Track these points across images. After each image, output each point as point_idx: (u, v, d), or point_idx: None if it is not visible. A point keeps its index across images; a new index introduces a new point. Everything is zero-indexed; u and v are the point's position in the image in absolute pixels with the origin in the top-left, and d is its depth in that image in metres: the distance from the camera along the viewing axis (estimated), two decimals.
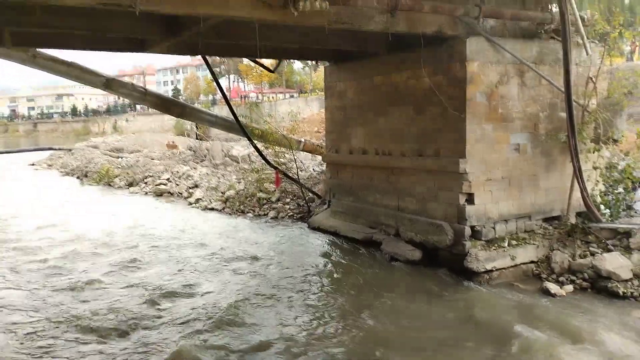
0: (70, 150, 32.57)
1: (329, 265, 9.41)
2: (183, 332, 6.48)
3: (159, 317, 7.03)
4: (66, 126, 64.00)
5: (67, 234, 12.08)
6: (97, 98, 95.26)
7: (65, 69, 11.68)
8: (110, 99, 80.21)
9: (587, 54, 8.65)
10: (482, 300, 7.35)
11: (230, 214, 14.42)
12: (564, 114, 8.64)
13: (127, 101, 59.30)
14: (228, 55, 20.57)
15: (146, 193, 18.67)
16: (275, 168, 14.22)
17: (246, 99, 57.00)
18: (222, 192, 16.08)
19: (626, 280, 7.27)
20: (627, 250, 7.79)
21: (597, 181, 9.14)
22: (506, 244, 8.45)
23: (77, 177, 24.17)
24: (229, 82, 67.66)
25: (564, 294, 7.40)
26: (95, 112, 77.63)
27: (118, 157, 26.96)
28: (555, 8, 8.77)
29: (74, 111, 79.86)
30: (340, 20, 7.42)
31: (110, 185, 20.91)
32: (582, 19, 8.74)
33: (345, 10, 7.34)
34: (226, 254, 10.14)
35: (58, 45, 9.56)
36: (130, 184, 20.30)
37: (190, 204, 16.06)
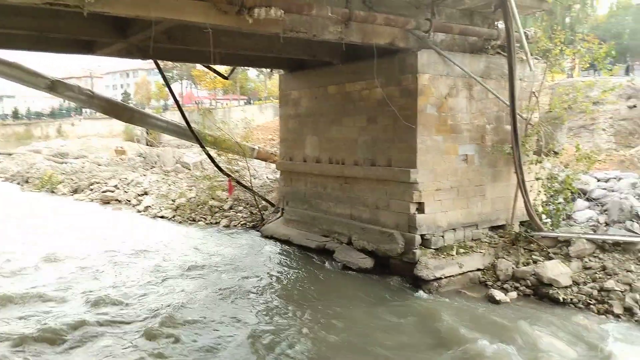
0: (10, 154, 31.13)
1: (282, 275, 9.34)
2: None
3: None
4: (6, 129, 60.77)
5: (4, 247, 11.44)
6: (41, 100, 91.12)
7: (6, 69, 11.10)
8: (55, 101, 76.98)
9: (531, 69, 9.02)
10: (430, 307, 7.50)
11: (180, 222, 14.12)
12: (508, 127, 8.99)
13: (73, 104, 57.13)
14: (181, 60, 20.23)
15: (92, 200, 18.05)
16: (228, 175, 14.05)
17: (199, 105, 56.06)
18: (172, 200, 15.74)
19: (566, 287, 7.61)
20: (567, 258, 8.14)
21: (539, 191, 9.53)
22: (454, 252, 8.68)
23: (18, 183, 23.12)
24: (182, 88, 66.35)
25: (509, 301, 7.67)
26: (39, 115, 74.29)
27: (62, 163, 25.99)
28: (501, 25, 9.15)
29: (15, 114, 76.14)
30: (295, 28, 7.47)
31: (53, 191, 20.08)
32: (527, 36, 9.12)
33: (300, 19, 7.40)
34: (177, 263, 9.90)
35: (1, 45, 9.12)
36: (75, 191, 19.58)
37: (139, 211, 15.64)
